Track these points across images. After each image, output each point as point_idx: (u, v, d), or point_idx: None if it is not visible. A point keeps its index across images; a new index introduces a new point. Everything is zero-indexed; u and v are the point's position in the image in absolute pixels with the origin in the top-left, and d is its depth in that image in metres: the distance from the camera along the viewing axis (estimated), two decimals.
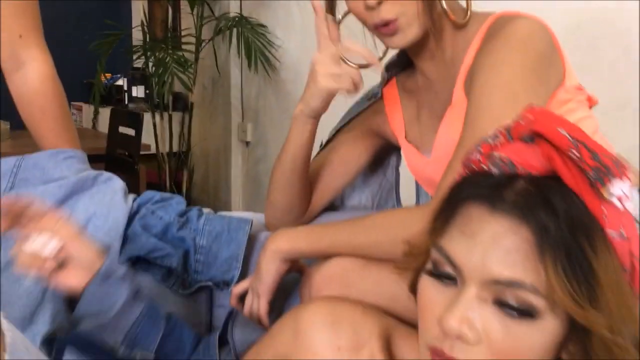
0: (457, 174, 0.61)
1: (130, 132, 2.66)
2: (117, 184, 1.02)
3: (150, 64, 3.06)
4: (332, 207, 1.13)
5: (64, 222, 0.78)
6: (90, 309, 0.77)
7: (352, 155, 1.07)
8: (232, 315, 0.90)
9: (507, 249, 0.53)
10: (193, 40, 2.98)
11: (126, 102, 3.62)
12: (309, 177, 1.03)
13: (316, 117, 0.94)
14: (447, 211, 0.57)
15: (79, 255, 0.77)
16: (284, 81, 2.86)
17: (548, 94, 0.84)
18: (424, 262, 0.59)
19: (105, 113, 3.26)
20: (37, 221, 0.77)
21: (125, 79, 3.59)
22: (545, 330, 0.53)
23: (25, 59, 1.04)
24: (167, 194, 1.03)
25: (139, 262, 0.97)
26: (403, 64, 1.01)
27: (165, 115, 3.14)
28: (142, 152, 2.67)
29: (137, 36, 3.16)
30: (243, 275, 0.96)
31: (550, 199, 0.53)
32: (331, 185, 1.07)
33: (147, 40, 3.10)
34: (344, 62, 0.89)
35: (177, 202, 1.01)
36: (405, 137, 1.00)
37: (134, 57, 3.34)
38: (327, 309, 0.71)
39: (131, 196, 1.02)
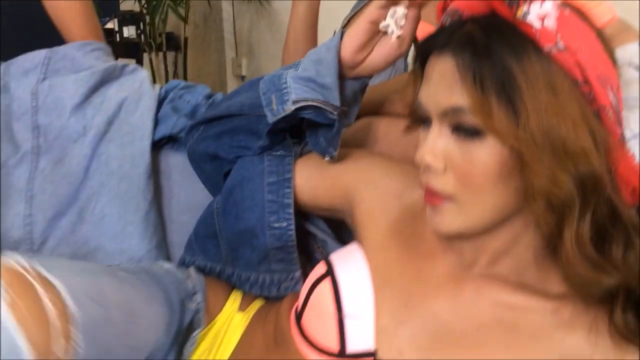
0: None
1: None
2: (143, 73, 1.07)
3: (142, 2, 3.05)
4: None
5: None
6: None
7: None
8: None
9: (449, 81, 0.61)
10: None
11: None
12: None
13: None
14: (419, 64, 0.68)
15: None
16: (277, 12, 2.88)
17: None
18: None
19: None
20: None
21: (115, 20, 3.56)
22: (491, 149, 0.60)
23: None
24: (190, 83, 1.09)
25: (169, 142, 1.03)
26: None
27: (160, 54, 3.15)
28: None
29: None
30: None
31: (482, 31, 0.60)
32: None
33: None
34: None
35: (202, 88, 1.06)
36: None
37: None
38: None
39: (157, 85, 1.07)
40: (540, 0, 0.60)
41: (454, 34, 0.62)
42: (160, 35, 3.11)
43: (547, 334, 0.64)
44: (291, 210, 0.82)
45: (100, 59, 1.06)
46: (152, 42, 3.13)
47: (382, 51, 0.76)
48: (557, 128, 0.58)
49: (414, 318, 0.70)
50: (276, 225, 0.81)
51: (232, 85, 3.20)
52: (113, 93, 1.02)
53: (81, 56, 1.04)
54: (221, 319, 0.85)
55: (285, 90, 0.78)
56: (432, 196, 0.65)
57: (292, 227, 0.82)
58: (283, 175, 0.83)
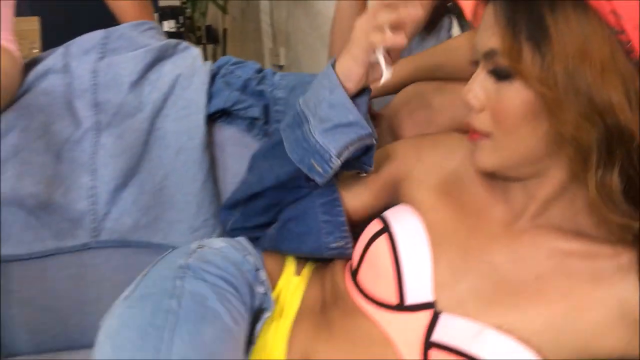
0: None
1: None
2: (196, 50, 1.11)
3: None
4: None
5: None
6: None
7: None
8: None
9: (489, 26, 0.66)
10: None
11: None
12: None
13: None
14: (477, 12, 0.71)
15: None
16: (314, 1, 2.90)
17: None
18: None
19: None
20: None
21: (156, 15, 3.65)
22: (518, 91, 0.64)
23: None
24: (240, 59, 1.12)
25: (223, 116, 1.06)
26: None
27: (199, 47, 3.21)
28: None
29: None
30: None
31: None
32: None
33: None
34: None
35: (252, 63, 1.09)
36: None
37: None
38: None
39: (208, 61, 1.10)
40: None
41: None
42: (199, 28, 3.18)
43: (606, 278, 0.65)
44: (346, 228, 0.82)
45: (154, 38, 1.10)
46: (192, 35, 3.19)
47: (377, 75, 0.75)
48: (583, 75, 0.60)
49: (472, 270, 0.71)
50: (334, 245, 0.82)
51: None
52: (168, 70, 1.06)
53: (137, 35, 1.08)
54: (280, 285, 0.87)
55: (322, 150, 0.76)
56: (473, 133, 0.70)
57: (350, 244, 0.82)
58: (332, 195, 0.83)
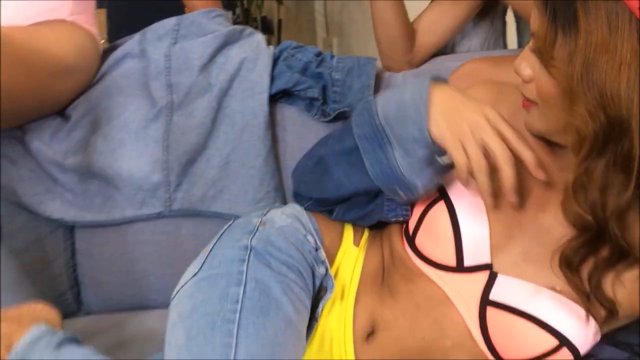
0: None
1: None
2: (260, 36, 1.19)
3: None
4: (442, 53, 1.26)
5: None
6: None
7: (458, 7, 1.19)
8: None
9: (536, 11, 0.71)
10: None
11: None
12: (415, 24, 1.18)
13: None
14: None
15: None
16: None
17: None
18: None
19: None
20: None
21: None
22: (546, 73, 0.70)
23: None
24: (301, 44, 1.19)
25: (284, 96, 1.14)
26: None
27: None
28: None
29: None
30: None
31: None
32: (438, 29, 1.19)
33: None
34: None
35: (312, 48, 1.17)
36: None
37: None
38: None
39: (271, 45, 1.18)
40: None
41: None
42: (255, 19, 3.27)
43: None
44: (408, 206, 0.85)
45: (222, 24, 1.18)
46: (247, 26, 3.30)
47: None
48: (601, 66, 0.64)
49: (527, 234, 0.77)
50: (394, 220, 0.86)
51: None
52: (234, 54, 1.14)
53: (206, 22, 1.17)
54: (339, 257, 0.89)
55: (408, 182, 0.77)
56: (525, 101, 0.77)
57: (409, 213, 0.85)
58: None
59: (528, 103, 0.76)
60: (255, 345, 0.69)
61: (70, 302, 1.13)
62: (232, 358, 0.67)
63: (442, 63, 1.21)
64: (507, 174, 0.73)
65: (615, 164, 0.67)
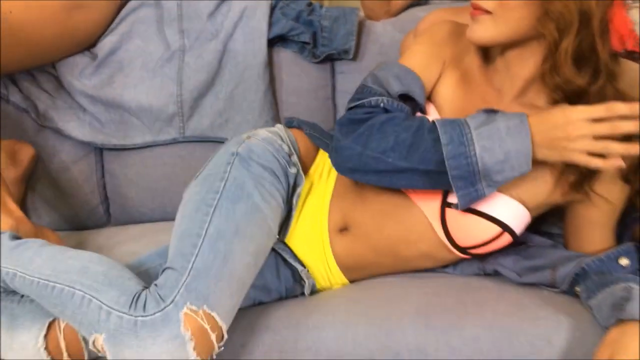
0: None
1: None
2: None
3: None
4: (417, 4, 1.45)
5: None
6: None
7: None
8: None
9: None
10: None
11: None
12: None
13: None
14: None
15: None
16: None
17: None
18: None
19: None
20: None
21: None
22: None
23: None
24: None
25: (280, 41, 1.33)
26: None
27: None
28: None
29: None
30: (357, 47, 1.32)
31: None
32: None
33: None
34: None
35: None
36: None
37: None
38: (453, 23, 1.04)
39: None
40: None
41: None
42: None
43: None
44: None
45: None
46: None
47: None
48: None
49: None
50: None
51: None
52: (236, 3, 1.32)
53: None
54: (317, 162, 1.08)
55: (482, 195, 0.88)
56: (476, 9, 0.88)
57: None
58: None
59: (480, 12, 0.88)
60: (225, 222, 0.90)
61: (101, 215, 1.34)
62: (205, 228, 0.89)
63: (415, 13, 1.39)
64: (631, 150, 0.81)
65: (583, 42, 0.84)
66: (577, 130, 0.82)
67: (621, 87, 0.89)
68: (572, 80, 0.86)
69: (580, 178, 0.92)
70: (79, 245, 1.20)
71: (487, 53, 0.99)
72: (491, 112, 0.88)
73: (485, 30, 0.89)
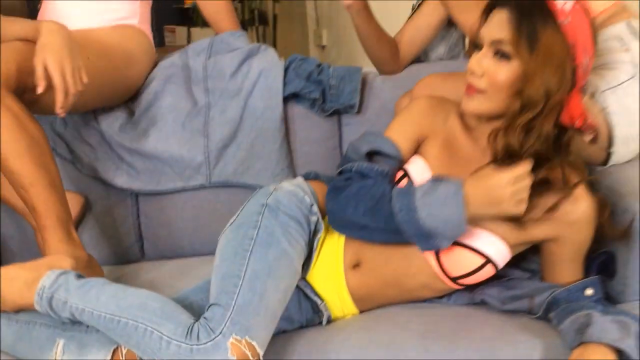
0: None
1: None
2: (273, 50, 1.57)
3: None
4: (417, 60, 1.65)
5: None
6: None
7: (432, 19, 1.56)
8: None
9: (502, 24, 1.08)
10: None
11: None
12: (398, 38, 1.56)
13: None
14: (485, 14, 1.12)
15: None
16: None
17: None
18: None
19: (195, 32, 3.82)
20: None
21: None
22: (512, 67, 1.07)
23: None
24: (305, 56, 1.57)
25: (293, 97, 1.52)
26: None
27: (253, 28, 3.67)
28: None
29: None
30: (361, 102, 1.52)
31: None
32: (416, 42, 1.57)
33: None
34: None
35: (313, 59, 1.55)
36: None
37: None
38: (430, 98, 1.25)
39: (282, 58, 1.56)
40: None
41: (510, 2, 1.08)
42: (252, 12, 3.61)
43: None
44: None
45: (245, 42, 1.56)
46: (244, 17, 3.64)
47: None
48: (550, 62, 1.04)
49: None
50: None
51: (313, 53, 3.69)
52: (255, 65, 1.52)
53: (233, 40, 1.55)
54: None
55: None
56: (470, 89, 1.10)
57: None
58: None
59: (474, 91, 1.09)
60: (259, 265, 1.08)
61: (137, 252, 1.52)
62: (243, 270, 1.07)
63: (413, 71, 1.58)
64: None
65: (538, 117, 1.06)
66: (505, 190, 1.02)
67: (575, 148, 1.11)
68: (513, 145, 1.07)
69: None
70: (120, 279, 1.37)
71: (464, 119, 1.20)
72: (437, 180, 1.08)
73: (479, 105, 1.11)
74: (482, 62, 1.09)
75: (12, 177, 1.17)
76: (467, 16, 1.32)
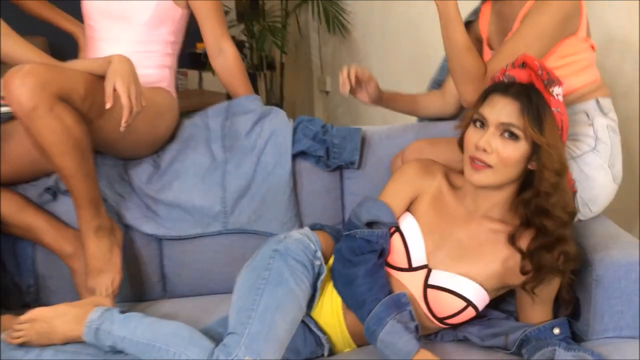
0: (490, 76, 1.35)
1: None
2: (283, 112, 1.77)
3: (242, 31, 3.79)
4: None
5: None
6: None
7: None
8: None
9: (510, 111, 1.26)
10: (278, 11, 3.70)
11: None
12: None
13: None
14: (482, 97, 1.32)
15: None
16: (356, 40, 3.54)
17: (557, 40, 1.44)
18: (470, 121, 1.32)
19: (207, 76, 4.05)
20: None
21: None
22: (521, 148, 1.26)
23: (224, 48, 1.80)
24: (311, 117, 1.78)
25: (301, 154, 1.72)
26: None
27: (261, 74, 3.90)
28: None
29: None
30: (360, 158, 1.71)
31: (528, 91, 1.26)
32: None
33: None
34: None
35: (319, 120, 1.75)
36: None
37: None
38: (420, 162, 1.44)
39: (291, 119, 1.76)
40: (558, 85, 1.27)
41: (513, 87, 1.27)
42: (260, 59, 3.85)
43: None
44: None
45: (258, 105, 1.77)
46: (252, 63, 3.88)
47: None
48: (554, 143, 1.25)
49: (447, 244, 1.35)
50: None
51: (318, 98, 3.91)
52: (267, 125, 1.72)
53: (248, 103, 1.76)
54: (333, 257, 1.49)
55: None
56: (479, 164, 1.26)
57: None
58: None
59: (483, 166, 1.26)
60: (270, 300, 1.28)
61: (159, 290, 1.70)
62: (256, 305, 1.26)
63: (403, 133, 1.75)
64: None
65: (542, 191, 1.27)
66: None
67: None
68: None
69: (526, 283, 1.30)
70: (145, 313, 1.54)
71: (451, 180, 1.38)
72: (407, 328, 1.25)
73: (486, 179, 1.28)
74: (490, 140, 1.25)
75: (57, 170, 1.46)
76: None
